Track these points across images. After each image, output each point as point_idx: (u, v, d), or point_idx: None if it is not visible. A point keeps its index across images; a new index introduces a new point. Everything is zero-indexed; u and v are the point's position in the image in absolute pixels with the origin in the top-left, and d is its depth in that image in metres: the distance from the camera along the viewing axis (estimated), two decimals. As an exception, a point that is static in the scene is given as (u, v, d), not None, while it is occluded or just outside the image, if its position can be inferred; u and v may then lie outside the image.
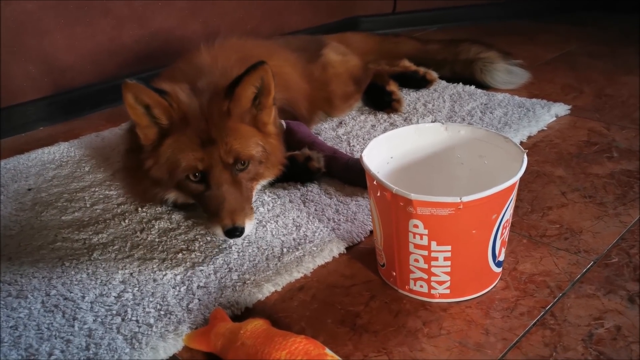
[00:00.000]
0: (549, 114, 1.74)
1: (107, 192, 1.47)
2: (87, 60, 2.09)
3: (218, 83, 1.24)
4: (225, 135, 1.18)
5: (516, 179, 0.98)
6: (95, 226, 1.32)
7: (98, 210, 1.39)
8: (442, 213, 0.95)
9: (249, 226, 1.18)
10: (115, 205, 1.40)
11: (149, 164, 1.22)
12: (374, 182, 1.02)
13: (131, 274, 1.15)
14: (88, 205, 1.41)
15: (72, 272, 1.16)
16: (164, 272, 1.14)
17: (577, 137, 1.63)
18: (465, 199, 0.93)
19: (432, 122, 1.74)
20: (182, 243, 1.24)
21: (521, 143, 1.60)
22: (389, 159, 1.18)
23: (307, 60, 1.80)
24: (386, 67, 1.99)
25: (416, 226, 0.98)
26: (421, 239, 0.98)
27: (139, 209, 1.38)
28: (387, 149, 1.18)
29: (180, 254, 1.20)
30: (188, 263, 1.17)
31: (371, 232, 1.25)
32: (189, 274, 1.14)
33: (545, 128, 1.69)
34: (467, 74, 2.03)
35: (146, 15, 2.20)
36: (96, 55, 2.11)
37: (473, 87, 1.98)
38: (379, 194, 1.02)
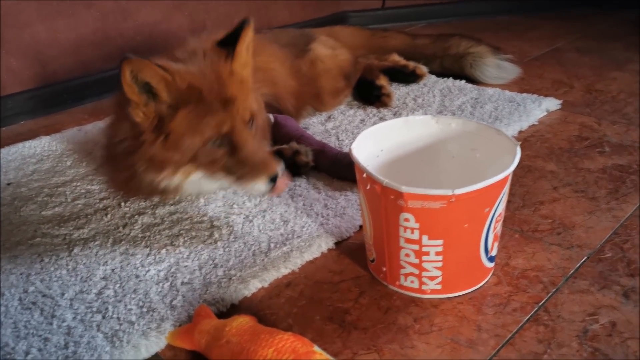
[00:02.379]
0: (540, 108, 1.72)
1: (89, 187, 1.43)
2: (69, 53, 2.05)
3: (200, 48, 1.23)
4: (239, 93, 1.19)
5: (509, 171, 0.95)
6: (76, 221, 1.28)
7: (79, 205, 1.35)
8: (434, 206, 0.93)
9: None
10: (97, 200, 1.36)
11: (154, 144, 1.16)
12: (364, 175, 0.99)
13: (113, 270, 1.11)
14: (69, 200, 1.37)
15: (52, 269, 1.12)
16: (146, 268, 1.11)
17: (568, 132, 1.61)
18: (458, 191, 0.90)
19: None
20: (166, 238, 1.20)
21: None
22: (378, 152, 1.16)
23: (296, 55, 1.77)
24: (375, 61, 1.96)
25: (407, 220, 0.95)
26: (412, 233, 0.96)
27: (122, 203, 1.34)
28: (376, 141, 1.15)
29: (164, 250, 1.16)
30: (172, 259, 1.13)
31: (361, 227, 1.22)
32: (172, 270, 1.10)
33: (536, 123, 1.67)
34: (456, 69, 2.01)
35: (130, 8, 2.15)
36: (79, 48, 2.06)
37: (463, 81, 1.96)
38: (368, 187, 0.99)
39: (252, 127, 1.23)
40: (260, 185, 1.16)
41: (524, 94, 1.84)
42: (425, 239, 0.96)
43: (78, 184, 1.44)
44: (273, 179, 1.15)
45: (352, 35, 2.09)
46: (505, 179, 0.96)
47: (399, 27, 2.72)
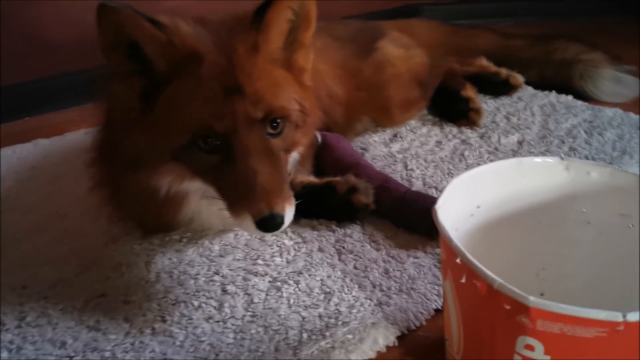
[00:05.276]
0: (683, 142, 1.28)
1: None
2: (81, 39, 1.73)
3: (236, 14, 0.88)
4: (253, 79, 0.82)
5: None
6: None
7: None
8: (583, 334, 0.53)
9: (289, 214, 0.81)
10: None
11: (136, 127, 0.84)
12: (457, 260, 0.60)
13: (71, 358, 0.76)
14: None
15: (-11, 346, 0.79)
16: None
17: None
18: (632, 317, 0.51)
19: (519, 145, 1.30)
20: (157, 308, 0.84)
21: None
22: (474, 208, 0.76)
23: (356, 54, 1.38)
24: (457, 65, 1.55)
25: (530, 347, 0.56)
26: (536, 369, 0.57)
27: (110, 244, 0.99)
28: (472, 193, 0.76)
29: (150, 329, 0.80)
30: (157, 346, 0.77)
31: (437, 311, 0.84)
32: (154, 368, 0.74)
33: (679, 162, 1.23)
34: (560, 79, 1.59)
35: (163, -11, 1.81)
36: (94, 33, 1.74)
37: (570, 97, 1.53)
38: (463, 280, 0.60)
39: (275, 137, 0.86)
40: (247, 224, 0.80)
41: (657, 120, 1.40)
42: (558, 382, 0.57)
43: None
44: (266, 222, 0.79)
45: (430, 30, 1.68)
46: None
47: (480, 25, 2.30)
